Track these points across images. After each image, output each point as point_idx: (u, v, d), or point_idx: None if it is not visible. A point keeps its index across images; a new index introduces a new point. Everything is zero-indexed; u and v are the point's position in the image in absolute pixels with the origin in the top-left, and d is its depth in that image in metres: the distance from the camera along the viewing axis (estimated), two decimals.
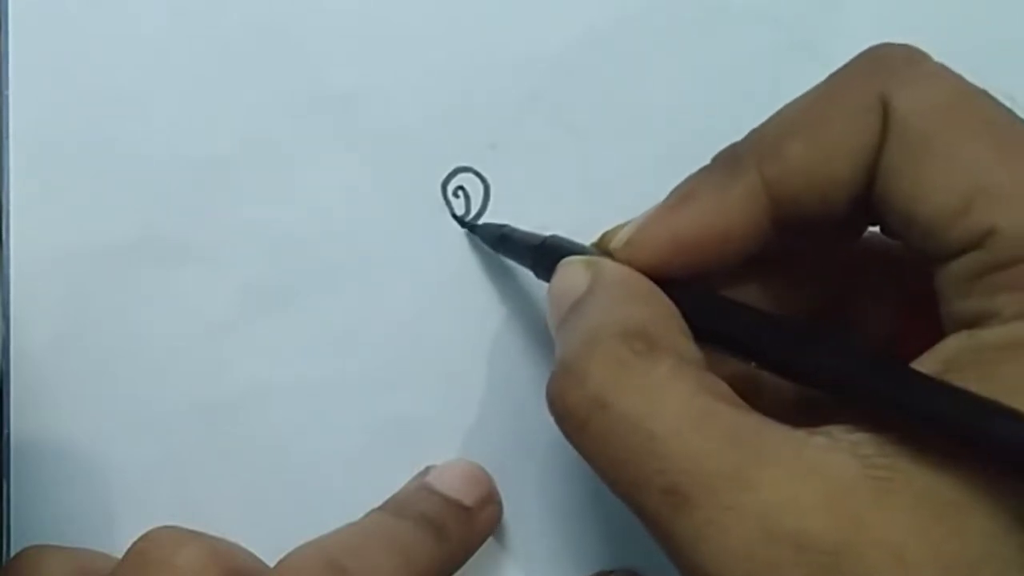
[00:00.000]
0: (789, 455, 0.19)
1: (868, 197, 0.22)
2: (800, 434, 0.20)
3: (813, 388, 0.21)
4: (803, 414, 0.20)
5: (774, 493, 0.19)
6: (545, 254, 0.25)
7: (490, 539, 0.29)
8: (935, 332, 0.21)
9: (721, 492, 0.19)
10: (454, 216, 0.29)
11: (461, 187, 0.29)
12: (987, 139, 0.20)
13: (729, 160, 0.23)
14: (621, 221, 0.28)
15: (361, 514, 0.27)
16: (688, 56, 0.30)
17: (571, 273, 0.24)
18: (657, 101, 0.30)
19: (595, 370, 0.20)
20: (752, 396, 0.20)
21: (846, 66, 0.23)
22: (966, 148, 0.20)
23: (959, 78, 0.21)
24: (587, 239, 0.29)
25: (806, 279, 0.25)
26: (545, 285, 0.27)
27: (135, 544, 0.24)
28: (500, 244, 0.28)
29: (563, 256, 0.24)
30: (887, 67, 0.22)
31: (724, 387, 0.21)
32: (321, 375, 0.29)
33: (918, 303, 0.22)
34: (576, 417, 0.21)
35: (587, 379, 0.20)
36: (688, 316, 0.22)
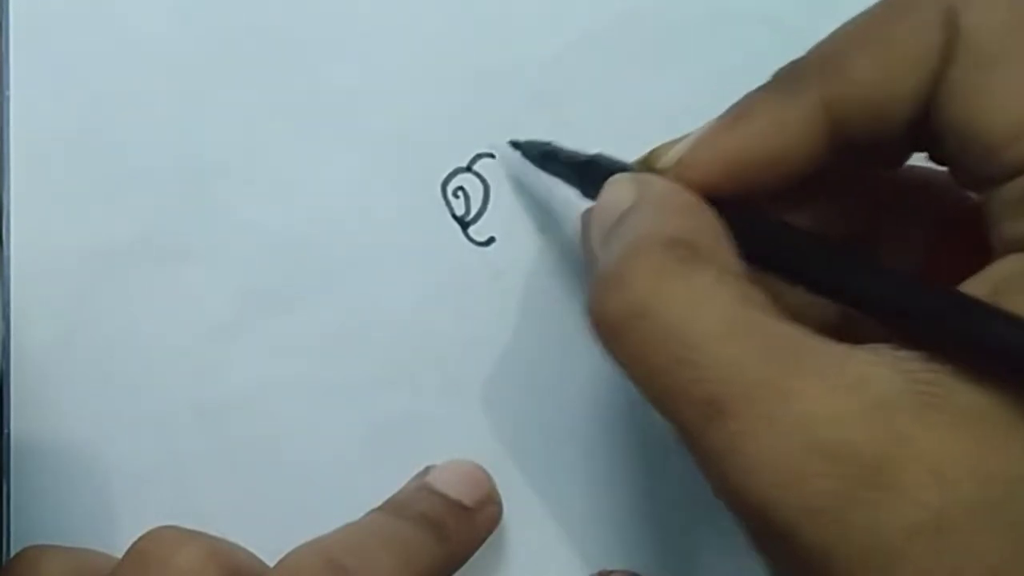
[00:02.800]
0: (831, 367, 0.19)
1: (925, 118, 0.21)
2: (844, 347, 0.19)
3: (860, 311, 0.20)
4: (845, 339, 0.20)
5: (813, 404, 0.18)
6: (592, 171, 0.25)
7: (490, 539, 0.28)
8: (964, 263, 0.20)
9: (759, 402, 0.19)
10: (454, 216, 0.29)
11: (461, 187, 0.29)
12: None
13: (789, 77, 0.23)
14: None
15: (361, 514, 0.27)
16: (688, 56, 0.30)
17: (618, 188, 0.23)
18: (657, 101, 0.30)
19: (636, 277, 0.20)
20: (794, 318, 0.20)
21: None
22: None
23: None
24: None
25: (841, 202, 0.25)
26: (547, 278, 0.27)
27: (135, 544, 0.24)
28: (544, 161, 0.28)
29: (609, 173, 0.24)
30: None
31: (766, 300, 0.20)
32: (321, 375, 0.29)
33: (951, 233, 0.22)
34: (615, 324, 0.20)
35: (628, 286, 0.20)
36: (735, 235, 0.22)
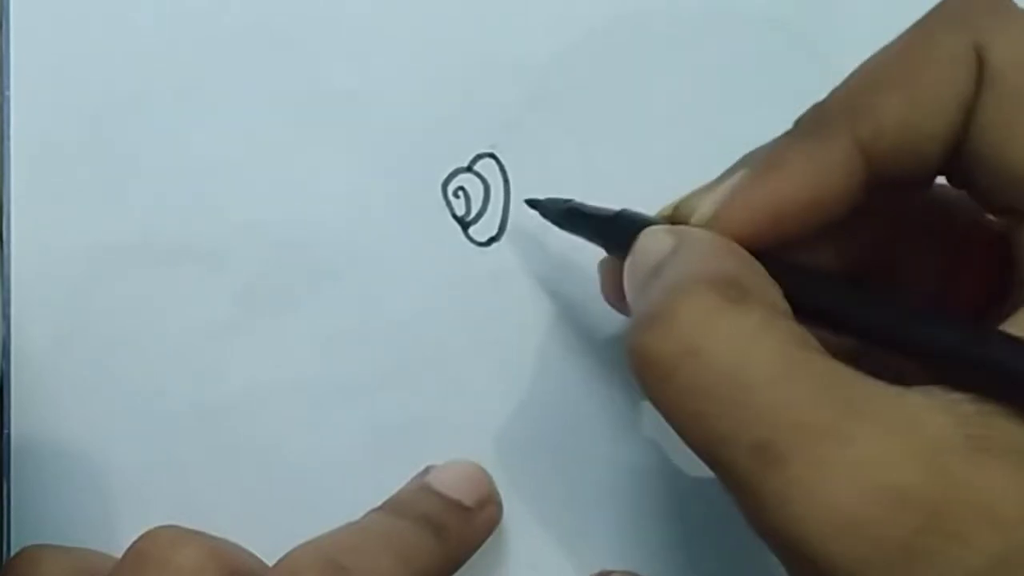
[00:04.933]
0: (885, 409, 0.18)
1: (956, 151, 0.21)
2: (897, 390, 0.19)
3: (908, 357, 0.20)
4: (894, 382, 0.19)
5: (870, 448, 0.18)
6: (620, 226, 0.24)
7: (490, 539, 0.28)
8: (982, 281, 0.20)
9: (812, 446, 0.18)
10: (454, 216, 0.29)
11: (461, 187, 0.29)
12: None
13: (818, 122, 0.22)
14: None
15: (361, 514, 0.27)
16: (688, 56, 0.30)
17: (655, 236, 0.23)
18: (657, 101, 0.30)
19: (685, 316, 0.19)
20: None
21: (931, 13, 0.22)
22: None
23: None
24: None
25: (858, 231, 0.24)
26: (547, 278, 0.27)
27: (135, 543, 0.24)
28: (565, 219, 0.27)
29: (637, 228, 0.23)
30: (978, 12, 0.21)
31: (815, 341, 0.20)
32: (321, 375, 0.29)
33: (967, 252, 0.22)
34: (662, 367, 0.19)
35: (676, 326, 0.19)
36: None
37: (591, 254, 0.27)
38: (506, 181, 0.29)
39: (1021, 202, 0.20)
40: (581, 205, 0.27)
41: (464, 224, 0.29)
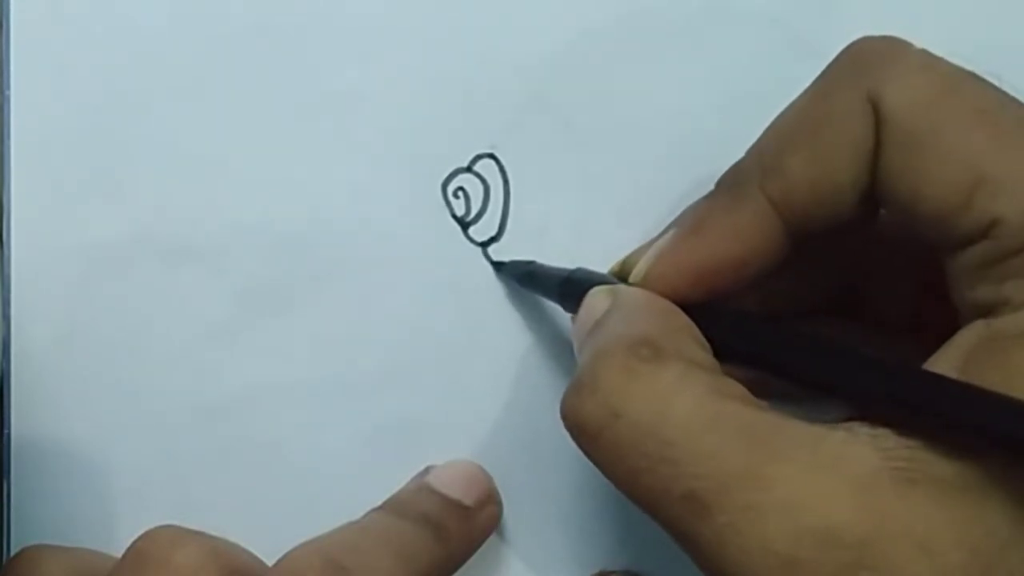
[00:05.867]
0: (806, 450, 0.19)
1: (872, 192, 0.22)
2: (818, 429, 0.19)
3: (831, 396, 0.21)
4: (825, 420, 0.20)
5: (793, 490, 0.19)
6: (572, 287, 0.26)
7: (490, 539, 0.28)
8: (951, 310, 0.21)
9: (737, 492, 0.19)
10: (454, 216, 0.29)
11: (461, 188, 0.29)
12: (981, 128, 0.20)
13: (732, 184, 0.23)
14: (618, 219, 0.28)
15: (361, 514, 0.27)
16: (688, 56, 0.30)
17: (594, 300, 0.24)
18: (657, 101, 0.30)
19: (604, 380, 0.20)
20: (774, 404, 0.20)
21: (830, 67, 0.23)
22: (961, 140, 0.20)
23: (945, 64, 0.21)
24: (586, 239, 0.29)
25: (822, 274, 0.25)
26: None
27: (134, 543, 0.24)
28: (527, 280, 0.28)
29: (588, 287, 0.24)
30: (871, 64, 0.22)
31: (739, 388, 0.20)
32: (321, 375, 0.29)
33: (933, 286, 0.22)
34: (590, 429, 0.20)
35: (597, 390, 0.20)
36: (707, 333, 0.22)
37: (591, 254, 0.27)
38: (506, 181, 0.29)
39: (944, 239, 0.21)
40: (539, 267, 0.28)
41: (464, 224, 0.29)
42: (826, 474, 0.19)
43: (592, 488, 0.29)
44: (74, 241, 0.28)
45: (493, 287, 0.29)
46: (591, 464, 0.29)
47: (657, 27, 0.30)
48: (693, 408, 0.20)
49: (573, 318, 0.25)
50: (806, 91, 0.23)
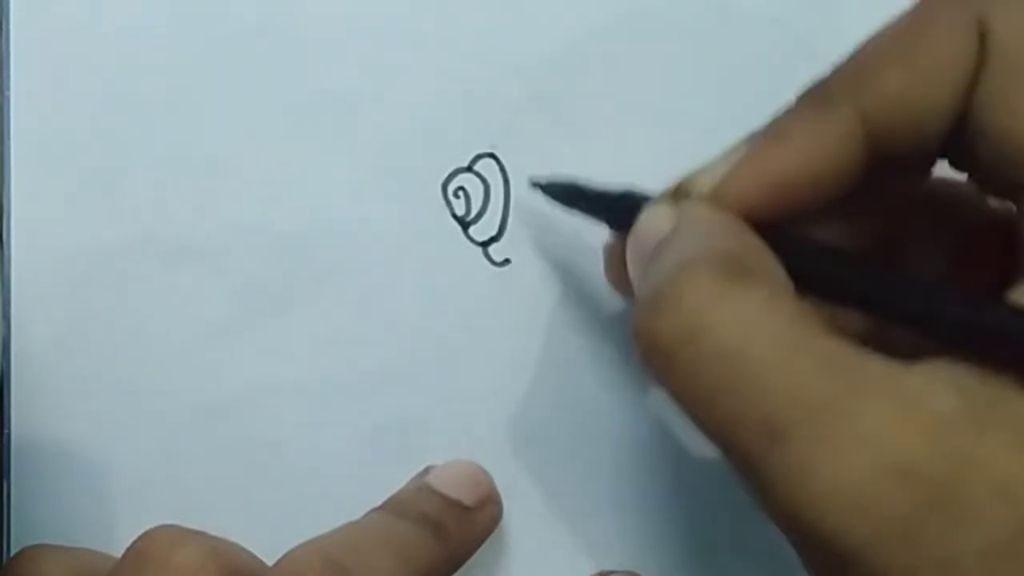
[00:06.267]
0: (889, 386, 0.18)
1: (959, 126, 0.21)
2: (900, 366, 0.19)
3: (910, 329, 0.20)
4: (899, 356, 0.19)
5: (874, 424, 0.18)
6: (623, 204, 0.24)
7: (490, 539, 0.28)
8: (989, 273, 0.20)
9: (816, 422, 0.18)
10: (454, 216, 0.29)
11: (461, 187, 0.29)
12: None
13: (821, 94, 0.22)
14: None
15: (361, 514, 0.27)
16: (688, 56, 0.30)
17: (657, 214, 0.23)
18: (657, 101, 0.30)
19: (688, 297, 0.19)
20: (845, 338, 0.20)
21: None
22: None
23: None
24: (587, 238, 0.29)
25: (868, 215, 0.24)
26: (547, 277, 0.27)
27: (134, 543, 0.24)
28: (568, 199, 0.27)
29: (643, 206, 0.23)
30: None
31: (820, 319, 0.20)
32: (321, 375, 0.29)
33: (975, 246, 0.22)
34: (666, 348, 0.19)
35: (679, 307, 0.19)
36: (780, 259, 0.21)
37: (591, 254, 0.27)
38: (506, 181, 0.29)
39: (1019, 179, 0.20)
40: (585, 184, 0.27)
41: (464, 224, 0.29)
42: (908, 411, 0.18)
43: (592, 488, 0.29)
44: (74, 241, 0.28)
45: (493, 287, 0.29)
46: (591, 464, 0.29)
47: (657, 27, 0.30)
48: (779, 334, 0.19)
49: (608, 243, 0.24)
50: (907, 10, 0.22)
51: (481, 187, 0.29)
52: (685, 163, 0.29)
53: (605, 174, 0.29)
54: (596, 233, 0.28)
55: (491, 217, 0.29)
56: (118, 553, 0.24)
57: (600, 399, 0.29)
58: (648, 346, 0.20)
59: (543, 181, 0.28)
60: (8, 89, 0.28)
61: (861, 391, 0.18)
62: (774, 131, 0.22)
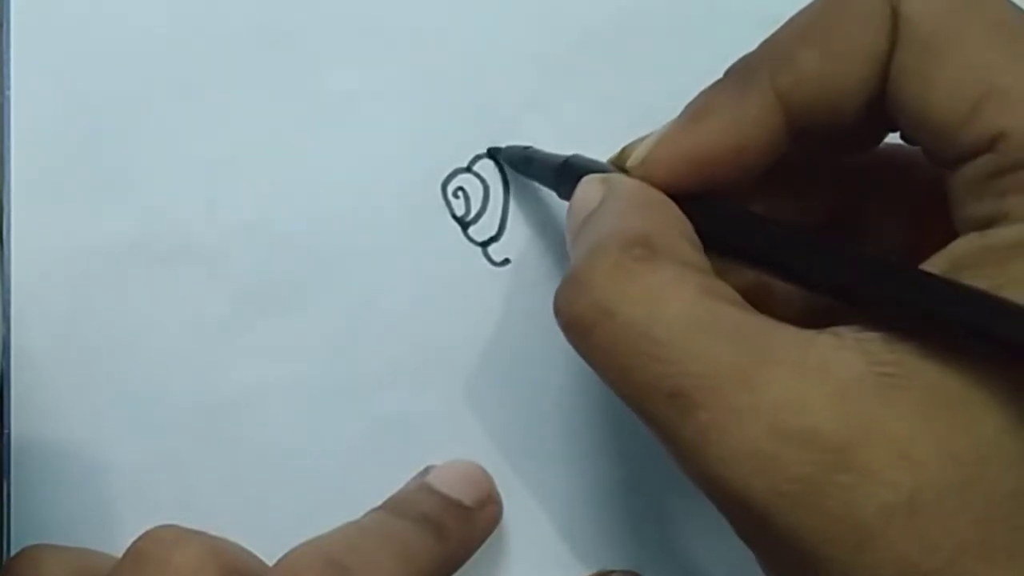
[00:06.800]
0: (795, 354, 0.19)
1: (881, 103, 0.22)
2: (807, 334, 0.20)
3: (821, 294, 0.21)
4: (813, 323, 0.20)
5: (779, 392, 0.19)
6: (567, 173, 0.25)
7: (490, 539, 0.28)
8: (943, 241, 0.21)
9: (726, 393, 0.19)
10: (454, 216, 0.29)
11: (461, 187, 0.29)
12: (996, 41, 0.20)
13: (742, 73, 0.23)
14: None
15: (361, 514, 0.27)
16: (688, 56, 0.30)
17: (587, 188, 0.24)
18: (657, 101, 0.30)
19: (598, 278, 0.21)
20: (764, 306, 0.21)
21: None
22: (975, 50, 0.20)
23: None
24: None
25: (820, 189, 0.25)
26: (547, 277, 0.28)
27: (134, 543, 0.24)
28: (523, 165, 0.28)
29: (584, 174, 0.24)
30: None
31: (730, 291, 0.21)
32: (321, 375, 0.29)
33: (931, 212, 0.22)
34: (581, 325, 0.21)
35: (591, 287, 0.21)
36: (701, 229, 0.22)
37: None
38: (506, 181, 0.30)
39: (948, 151, 0.21)
40: (535, 151, 0.28)
41: (464, 224, 0.29)
42: (812, 378, 0.19)
43: (592, 488, 0.29)
44: (74, 241, 0.28)
45: (493, 287, 0.29)
46: (591, 464, 0.29)
47: (656, 27, 0.30)
48: (685, 308, 0.20)
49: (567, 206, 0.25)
50: None
51: (481, 187, 0.29)
52: None
53: None
54: None
55: (491, 217, 0.29)
56: (118, 553, 0.24)
57: (600, 399, 0.29)
58: (567, 323, 0.21)
59: (499, 148, 0.29)
60: (8, 89, 0.28)
61: (767, 360, 0.19)
62: (697, 107, 0.23)
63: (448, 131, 0.29)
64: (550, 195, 0.29)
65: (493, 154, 0.29)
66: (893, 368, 0.19)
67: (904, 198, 0.25)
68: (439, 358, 0.29)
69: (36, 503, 0.28)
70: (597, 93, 0.30)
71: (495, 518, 0.29)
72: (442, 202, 0.29)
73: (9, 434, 0.28)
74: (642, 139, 0.24)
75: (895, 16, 0.21)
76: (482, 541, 0.28)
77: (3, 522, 0.28)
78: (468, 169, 0.29)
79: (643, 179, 0.23)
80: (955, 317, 0.18)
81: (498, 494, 0.29)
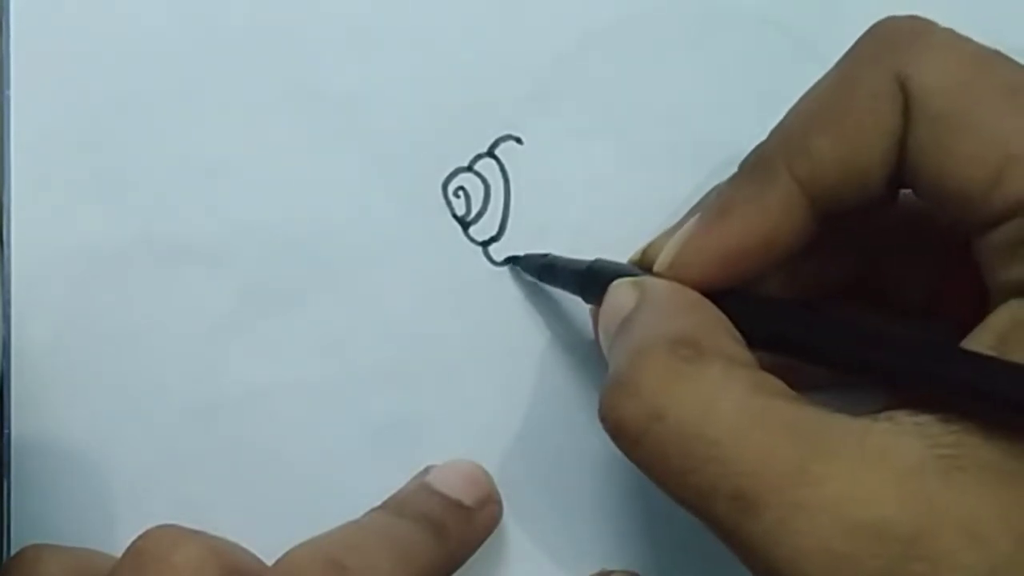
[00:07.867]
0: (852, 444, 0.19)
1: (901, 172, 0.22)
2: (862, 422, 0.19)
3: (870, 381, 0.20)
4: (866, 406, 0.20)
5: (842, 485, 0.19)
6: (592, 278, 0.25)
7: (490, 539, 0.28)
8: (973, 292, 0.21)
9: (788, 490, 0.19)
10: (454, 216, 0.29)
11: (461, 187, 0.29)
12: (1010, 106, 0.20)
13: (758, 165, 0.23)
14: (622, 220, 0.28)
15: (361, 514, 0.27)
16: (688, 56, 0.30)
17: (620, 293, 0.24)
18: (657, 101, 0.30)
19: (646, 381, 0.20)
20: (801, 382, 0.20)
21: (855, 47, 0.23)
22: (990, 118, 0.20)
23: (971, 43, 0.21)
24: (587, 238, 0.29)
25: (843, 257, 0.25)
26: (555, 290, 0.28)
27: (134, 543, 0.23)
28: (544, 273, 0.28)
29: (610, 279, 0.24)
30: (897, 44, 0.22)
31: (780, 384, 0.20)
32: (321, 375, 0.29)
33: (951, 262, 0.22)
34: (632, 431, 0.20)
35: (639, 391, 0.20)
36: (738, 323, 0.22)
37: (591, 254, 0.27)
38: (506, 181, 0.29)
39: (972, 220, 0.21)
40: (556, 259, 0.28)
41: (464, 224, 0.29)
42: (874, 467, 0.19)
43: (593, 488, 0.29)
44: (74, 241, 0.28)
45: (493, 287, 0.29)
46: (591, 464, 0.29)
47: (658, 28, 0.30)
48: (737, 406, 0.20)
49: (592, 310, 0.24)
50: (830, 72, 0.23)
51: (482, 187, 0.29)
52: (686, 164, 0.29)
53: (605, 174, 0.30)
54: (595, 233, 0.28)
55: (491, 217, 0.29)
56: (118, 553, 0.24)
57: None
58: (615, 429, 0.21)
59: (519, 256, 0.29)
60: (8, 89, 0.28)
61: (826, 452, 0.19)
62: (719, 205, 0.23)
63: (448, 131, 0.29)
64: (550, 196, 0.29)
65: (512, 260, 0.29)
66: (953, 449, 0.19)
67: (924, 250, 0.25)
68: (438, 358, 0.29)
69: (36, 503, 0.28)
70: (597, 93, 0.30)
71: (495, 518, 0.29)
72: (442, 202, 0.29)
73: (9, 434, 0.28)
74: (661, 238, 0.24)
75: (905, 92, 0.21)
76: (482, 541, 0.28)
77: (3, 522, 0.28)
78: (469, 168, 0.29)
79: (673, 280, 0.23)
80: (1006, 396, 0.18)
81: (498, 494, 0.29)
